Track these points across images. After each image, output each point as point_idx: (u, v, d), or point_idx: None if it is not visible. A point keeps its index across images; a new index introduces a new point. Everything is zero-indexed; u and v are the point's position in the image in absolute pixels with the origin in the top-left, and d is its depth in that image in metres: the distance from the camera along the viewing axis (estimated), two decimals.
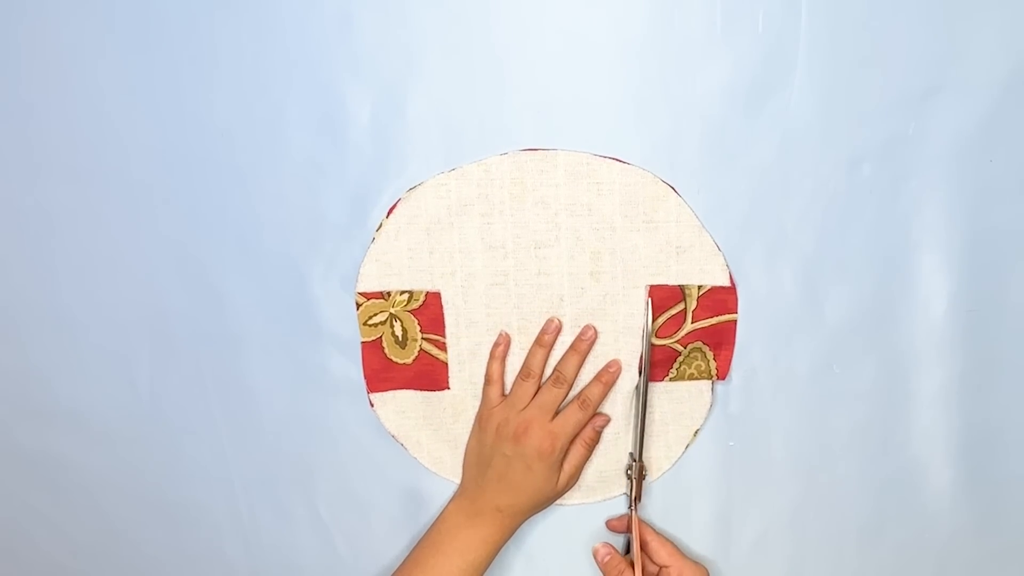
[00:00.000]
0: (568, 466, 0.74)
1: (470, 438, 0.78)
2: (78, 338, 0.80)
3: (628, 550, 0.79)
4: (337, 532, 0.81)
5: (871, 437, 0.77)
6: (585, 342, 0.74)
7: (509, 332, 0.75)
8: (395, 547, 0.82)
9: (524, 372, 0.74)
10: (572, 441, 0.74)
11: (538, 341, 0.74)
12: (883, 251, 0.72)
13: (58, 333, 0.80)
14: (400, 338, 0.76)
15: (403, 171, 0.72)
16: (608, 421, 0.76)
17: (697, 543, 0.80)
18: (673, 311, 0.73)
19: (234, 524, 0.84)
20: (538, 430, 0.72)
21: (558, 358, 0.75)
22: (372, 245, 0.74)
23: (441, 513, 0.76)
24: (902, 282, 0.73)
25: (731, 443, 0.76)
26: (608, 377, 0.74)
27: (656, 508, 0.80)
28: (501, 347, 0.75)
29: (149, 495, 0.84)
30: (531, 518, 0.77)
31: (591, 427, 0.75)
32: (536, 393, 0.74)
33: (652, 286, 0.73)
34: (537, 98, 0.69)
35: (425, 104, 0.70)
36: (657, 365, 0.75)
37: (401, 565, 0.75)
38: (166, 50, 0.70)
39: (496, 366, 0.75)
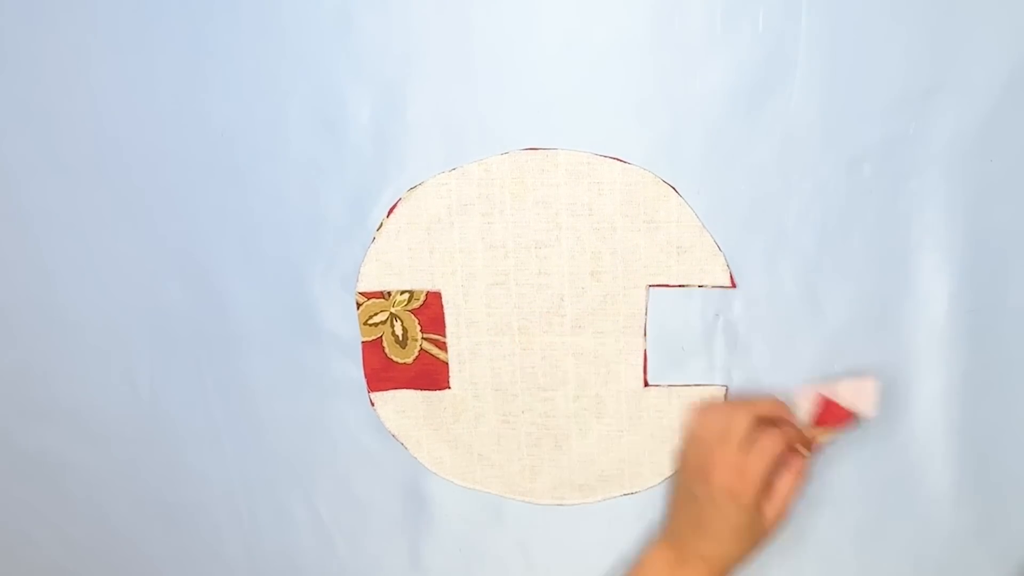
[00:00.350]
0: (776, 499, 0.68)
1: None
2: (78, 338, 0.80)
3: None
4: (337, 532, 0.81)
5: (871, 438, 0.76)
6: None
7: (509, 332, 0.75)
8: (395, 547, 0.82)
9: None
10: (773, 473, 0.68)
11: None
12: (883, 251, 0.72)
13: (58, 333, 0.80)
14: (400, 338, 0.77)
15: (403, 171, 0.73)
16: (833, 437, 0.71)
17: None
18: None
19: (234, 524, 0.84)
20: (724, 464, 0.66)
21: (548, 353, 0.75)
22: (372, 245, 0.74)
23: (642, 559, 0.72)
24: (903, 282, 0.73)
25: None
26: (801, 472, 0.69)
27: (652, 511, 0.80)
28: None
29: (149, 495, 0.85)
30: (534, 520, 0.78)
31: (799, 455, 0.69)
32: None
33: (652, 285, 0.73)
34: (537, 98, 0.69)
35: (425, 104, 0.70)
36: None
37: None
38: (166, 50, 0.71)
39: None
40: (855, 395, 0.70)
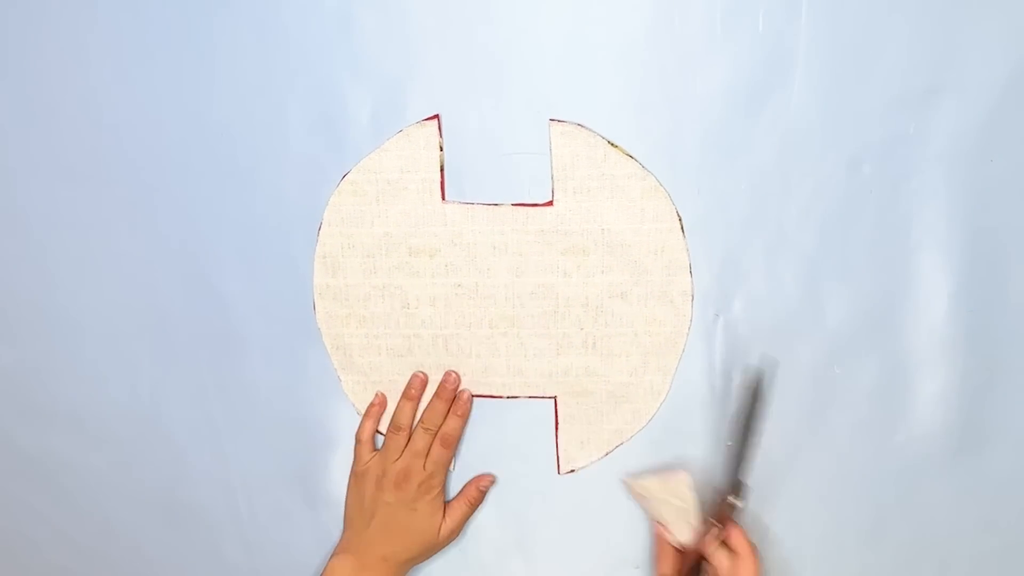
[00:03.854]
0: (451, 521, 0.78)
1: (348, 495, 0.80)
2: (78, 338, 0.81)
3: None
4: (337, 532, 0.81)
5: (872, 437, 0.77)
6: (449, 390, 0.77)
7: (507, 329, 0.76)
8: None
9: (394, 426, 0.77)
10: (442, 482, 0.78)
11: (406, 395, 0.78)
12: (884, 251, 0.73)
13: (58, 333, 0.81)
14: None
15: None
16: (492, 482, 0.80)
17: None
18: None
19: (234, 524, 0.84)
20: (417, 474, 0.76)
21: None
22: None
23: (326, 569, 0.77)
24: (903, 282, 0.73)
25: (729, 443, 0.76)
26: (462, 408, 0.77)
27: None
28: (376, 407, 0.79)
29: (149, 495, 0.85)
30: (530, 522, 0.79)
31: (476, 487, 0.79)
32: (407, 443, 0.77)
33: None
34: (537, 98, 0.70)
35: (425, 104, 0.71)
36: None
37: None
38: (166, 50, 0.71)
39: (369, 425, 0.79)
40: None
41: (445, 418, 0.77)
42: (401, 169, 0.73)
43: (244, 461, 0.82)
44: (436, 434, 0.77)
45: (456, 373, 0.77)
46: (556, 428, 0.79)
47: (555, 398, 0.78)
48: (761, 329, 0.75)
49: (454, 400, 0.77)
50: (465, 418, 0.78)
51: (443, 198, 0.73)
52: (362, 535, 0.77)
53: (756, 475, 0.77)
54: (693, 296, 0.75)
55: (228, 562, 0.86)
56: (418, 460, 0.76)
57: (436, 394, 0.77)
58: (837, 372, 0.76)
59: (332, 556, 0.78)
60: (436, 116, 0.71)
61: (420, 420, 0.77)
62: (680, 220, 0.72)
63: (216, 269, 0.77)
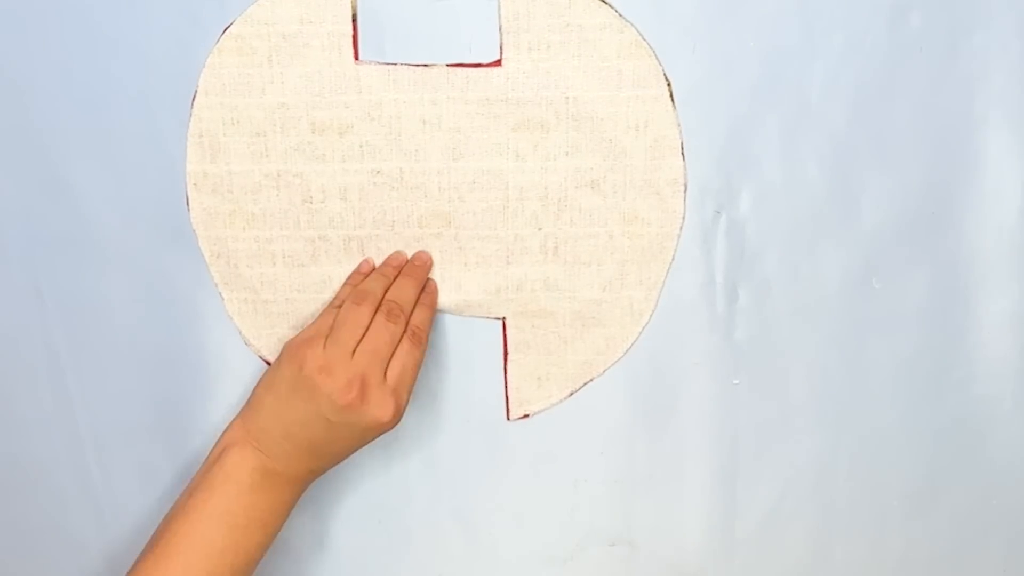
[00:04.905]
0: (400, 388, 0.74)
1: (271, 373, 0.75)
2: None
3: None
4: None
5: (922, 374, 0.80)
6: (420, 269, 0.79)
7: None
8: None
9: (358, 296, 0.75)
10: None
11: (379, 270, 0.79)
12: (937, 129, 0.75)
13: None
14: None
15: None
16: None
17: (693, 514, 0.85)
18: None
19: (81, 486, 0.83)
20: (376, 392, 0.72)
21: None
22: None
23: (223, 467, 0.73)
24: (962, 169, 0.76)
25: (736, 381, 0.79)
26: (431, 299, 0.79)
27: (641, 470, 0.84)
28: (359, 275, 0.80)
29: None
30: (471, 483, 0.84)
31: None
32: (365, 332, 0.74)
33: None
34: None
35: None
36: None
37: (157, 538, 0.72)
38: None
39: (345, 291, 0.79)
40: None
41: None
42: (300, 19, 0.75)
43: (94, 404, 0.84)
44: (404, 326, 0.75)
45: (428, 254, 0.80)
46: (505, 360, 0.82)
47: (503, 320, 0.81)
48: (776, 231, 0.78)
49: (423, 292, 0.78)
50: (433, 311, 0.80)
51: (356, 57, 0.75)
52: (283, 447, 0.73)
53: (769, 423, 0.81)
54: (686, 187, 0.77)
55: (73, 534, 0.87)
56: (377, 364, 0.72)
57: (405, 272, 0.78)
58: (876, 287, 0.79)
59: (230, 446, 0.74)
60: None
61: (384, 302, 0.75)
62: (669, 85, 0.74)
63: (61, 154, 0.77)
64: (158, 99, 0.76)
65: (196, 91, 0.76)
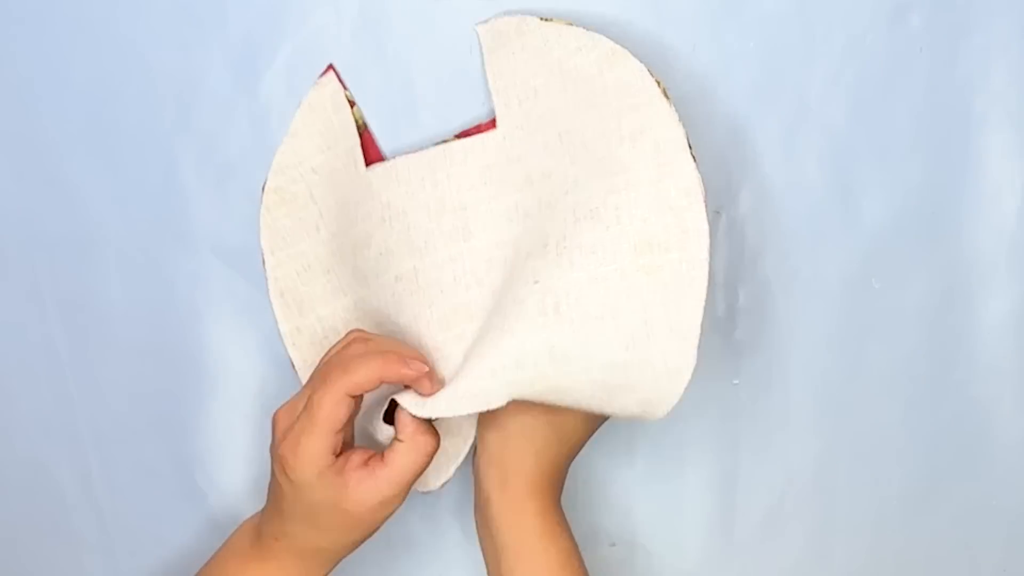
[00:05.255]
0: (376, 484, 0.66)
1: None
2: None
3: None
4: (214, 498, 0.83)
5: (921, 374, 0.80)
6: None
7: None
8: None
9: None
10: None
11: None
12: (937, 129, 0.75)
13: None
14: None
15: (305, 22, 0.75)
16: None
17: (692, 513, 0.85)
18: None
19: (82, 488, 0.84)
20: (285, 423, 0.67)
21: None
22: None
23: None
24: (962, 170, 0.76)
25: (736, 381, 0.79)
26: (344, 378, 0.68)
27: (639, 468, 0.84)
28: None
29: None
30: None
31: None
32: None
33: None
34: None
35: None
36: None
37: None
38: None
39: None
40: None
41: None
42: (320, 149, 0.75)
43: (93, 405, 0.84)
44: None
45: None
46: None
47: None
48: (776, 231, 0.78)
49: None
50: (337, 391, 0.65)
51: (366, 165, 0.75)
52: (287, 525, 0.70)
53: (769, 422, 0.81)
54: (704, 194, 0.66)
55: (74, 536, 0.87)
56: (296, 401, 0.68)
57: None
58: (876, 287, 0.79)
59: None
60: (330, 67, 0.74)
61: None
62: (660, 83, 0.67)
63: (61, 154, 0.78)
64: (158, 99, 0.76)
65: (262, 255, 0.77)
